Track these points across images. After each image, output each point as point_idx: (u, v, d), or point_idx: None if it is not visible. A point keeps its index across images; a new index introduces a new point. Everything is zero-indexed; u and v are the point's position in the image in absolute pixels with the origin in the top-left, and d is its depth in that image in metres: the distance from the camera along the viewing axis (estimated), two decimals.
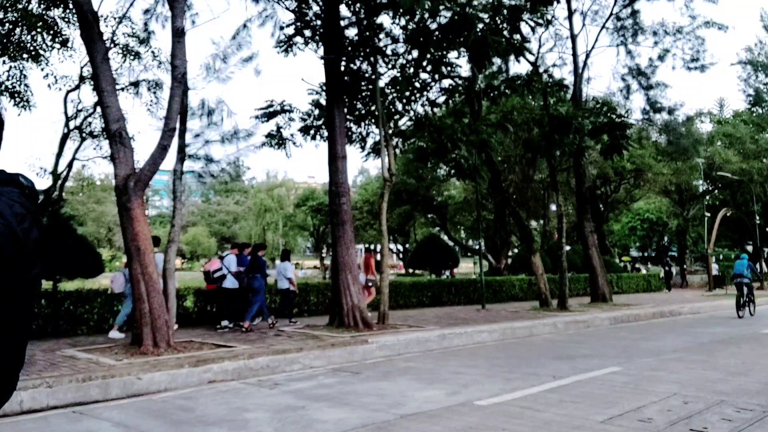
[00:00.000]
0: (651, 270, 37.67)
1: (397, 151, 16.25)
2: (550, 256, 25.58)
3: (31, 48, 15.01)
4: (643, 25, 22.13)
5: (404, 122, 14.99)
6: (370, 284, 14.73)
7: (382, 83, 13.31)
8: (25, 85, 15.62)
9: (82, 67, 16.33)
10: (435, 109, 15.84)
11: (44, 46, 15.17)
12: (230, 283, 12.07)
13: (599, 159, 25.62)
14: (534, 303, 18.42)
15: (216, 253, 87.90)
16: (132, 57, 15.83)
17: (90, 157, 18.72)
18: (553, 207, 25.24)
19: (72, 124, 16.95)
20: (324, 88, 13.33)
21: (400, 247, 54.24)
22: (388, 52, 13.64)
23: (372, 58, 12.94)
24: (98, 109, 14.10)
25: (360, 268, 13.78)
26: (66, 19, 14.92)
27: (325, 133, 13.54)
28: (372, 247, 21.22)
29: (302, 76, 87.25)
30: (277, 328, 12.02)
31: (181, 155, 10.15)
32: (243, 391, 7.00)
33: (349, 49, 12.99)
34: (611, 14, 21.30)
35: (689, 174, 35.80)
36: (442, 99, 15.36)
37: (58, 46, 15.30)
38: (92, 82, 14.07)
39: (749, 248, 45.91)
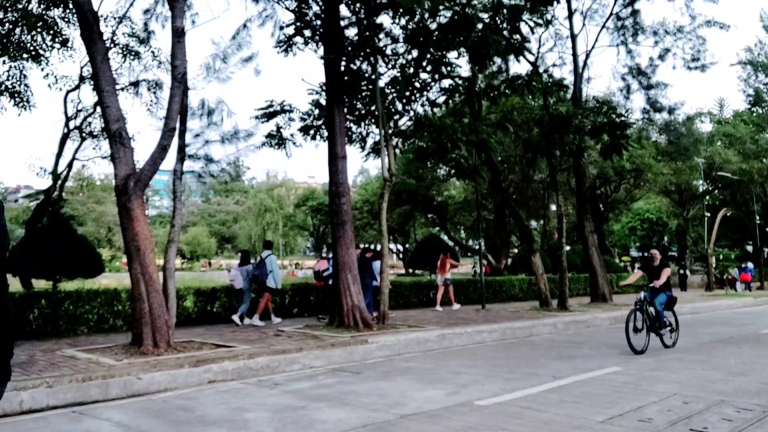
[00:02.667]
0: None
1: (397, 151, 16.26)
2: (550, 256, 25.57)
3: (31, 48, 15.01)
4: (644, 25, 22.11)
5: (404, 122, 15.00)
6: (448, 283, 17.11)
7: (382, 83, 13.31)
8: (25, 85, 15.62)
9: (82, 67, 16.34)
10: (435, 109, 15.84)
11: (44, 46, 15.17)
12: None
13: (599, 159, 25.59)
14: (534, 303, 18.41)
15: (216, 253, 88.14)
16: (132, 57, 15.82)
17: (90, 157, 18.76)
18: (553, 207, 25.27)
19: (72, 124, 16.94)
20: (324, 88, 13.33)
21: (400, 247, 54.25)
22: (388, 52, 13.63)
23: (372, 58, 12.93)
24: (98, 109, 14.10)
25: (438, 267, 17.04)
26: (66, 19, 14.92)
27: (325, 133, 13.53)
28: (372, 246, 21.32)
29: (302, 76, 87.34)
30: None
31: (181, 155, 10.13)
32: (243, 391, 7.00)
33: (349, 49, 12.98)
34: (611, 14, 21.29)
35: (689, 174, 35.80)
36: (442, 99, 15.35)
37: (58, 46, 15.30)
38: (92, 82, 14.06)
39: (749, 248, 45.91)
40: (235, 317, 12.82)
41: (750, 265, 34.33)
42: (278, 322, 13.01)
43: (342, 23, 12.80)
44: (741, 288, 31.04)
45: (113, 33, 15.15)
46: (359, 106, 14.40)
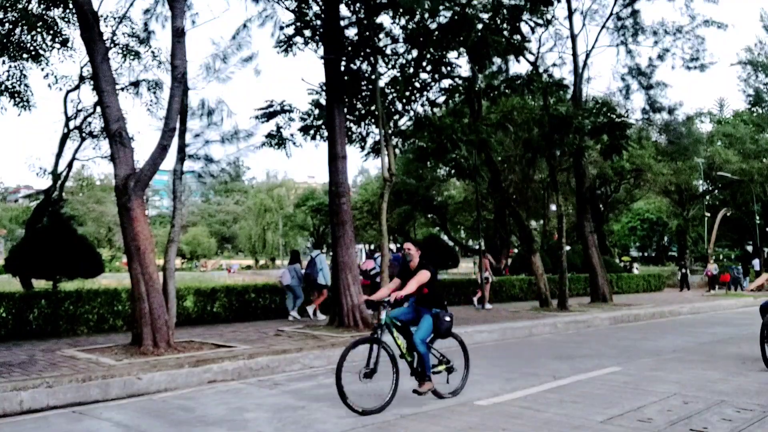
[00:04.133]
0: (643, 270, 37.59)
1: (397, 151, 16.27)
2: (550, 256, 25.57)
3: (31, 48, 14.98)
4: (644, 25, 22.09)
5: (404, 122, 14.99)
6: (487, 281, 17.87)
7: (382, 83, 13.30)
8: (25, 85, 15.58)
9: (82, 67, 16.29)
10: (435, 109, 15.83)
11: (44, 46, 15.13)
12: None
13: (599, 159, 25.61)
14: (534, 303, 18.41)
15: (216, 253, 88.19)
16: (132, 57, 15.79)
17: (90, 157, 18.65)
18: (553, 207, 25.27)
19: (72, 124, 16.89)
20: (324, 88, 13.32)
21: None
22: (388, 52, 13.62)
23: (372, 58, 12.92)
24: (98, 109, 14.08)
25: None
26: (66, 19, 14.89)
27: (325, 133, 13.53)
28: (373, 247, 21.46)
29: (302, 76, 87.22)
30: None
31: (181, 155, 10.13)
32: (243, 391, 7.01)
33: (349, 49, 12.98)
34: (611, 14, 21.28)
35: (689, 174, 35.80)
36: (442, 99, 15.34)
37: (58, 46, 15.26)
38: (92, 82, 14.05)
39: (749, 248, 45.91)
40: (309, 309, 13.95)
41: (753, 262, 34.01)
42: (322, 319, 13.59)
43: (342, 23, 12.79)
44: (747, 285, 30.66)
45: (113, 33, 15.12)
46: (359, 106, 14.38)
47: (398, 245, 16.86)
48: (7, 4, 13.74)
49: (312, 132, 14.64)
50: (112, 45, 14.99)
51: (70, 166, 17.61)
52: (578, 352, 9.88)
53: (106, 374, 6.83)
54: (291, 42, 13.32)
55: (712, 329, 13.63)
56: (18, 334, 10.59)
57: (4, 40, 14.35)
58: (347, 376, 5.68)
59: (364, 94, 13.84)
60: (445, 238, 37.51)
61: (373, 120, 14.45)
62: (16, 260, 13.95)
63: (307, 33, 13.30)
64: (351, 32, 13.19)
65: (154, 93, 16.23)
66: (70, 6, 13.76)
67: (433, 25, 12.41)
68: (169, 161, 9.75)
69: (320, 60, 12.63)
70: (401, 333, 6.27)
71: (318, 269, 13.85)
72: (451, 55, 13.63)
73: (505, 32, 13.06)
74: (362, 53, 13.07)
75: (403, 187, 30.49)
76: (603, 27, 21.30)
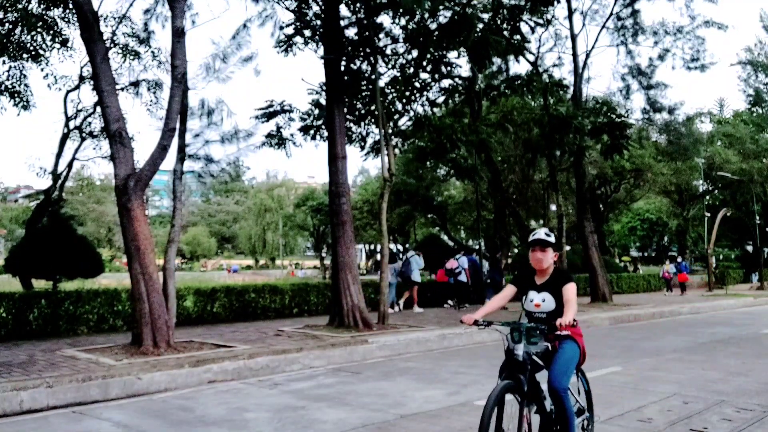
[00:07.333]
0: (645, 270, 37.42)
1: (397, 151, 16.29)
2: None
3: (31, 48, 14.97)
4: (644, 25, 22.06)
5: (404, 122, 15.00)
6: None
7: (382, 83, 13.30)
8: (25, 85, 15.56)
9: (82, 67, 16.27)
10: (435, 109, 15.83)
11: (44, 46, 15.12)
12: (464, 277, 17.18)
13: (599, 159, 25.60)
14: None
15: (216, 253, 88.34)
16: (132, 57, 15.78)
17: (90, 157, 18.66)
18: (553, 207, 25.27)
19: (72, 124, 16.87)
20: (324, 88, 13.33)
21: (400, 247, 54.20)
22: (388, 52, 13.63)
23: (372, 58, 12.92)
24: (98, 109, 14.07)
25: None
26: (66, 19, 14.88)
27: (325, 133, 13.53)
28: (373, 247, 21.68)
29: (302, 76, 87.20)
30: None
31: (181, 155, 10.13)
32: (243, 391, 7.01)
33: (349, 49, 12.98)
34: (611, 14, 21.26)
35: (689, 174, 35.76)
36: (442, 99, 15.36)
37: (58, 46, 15.25)
38: (92, 82, 14.04)
39: (749, 248, 45.87)
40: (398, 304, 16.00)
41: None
42: (420, 311, 15.54)
43: (342, 23, 12.80)
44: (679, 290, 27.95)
45: (113, 33, 15.11)
46: (359, 106, 14.39)
47: (478, 250, 18.70)
48: (7, 4, 13.73)
49: (312, 132, 14.65)
50: (112, 45, 14.97)
51: (70, 166, 17.59)
52: None
53: (106, 374, 6.83)
54: (291, 42, 13.33)
55: (712, 329, 13.62)
56: (18, 334, 10.59)
57: (4, 40, 14.33)
58: None
59: (364, 94, 13.84)
60: (445, 238, 37.50)
61: (373, 120, 14.45)
62: (16, 260, 13.96)
63: (307, 33, 13.31)
64: (351, 32, 13.21)
65: (154, 93, 16.22)
66: (70, 6, 13.75)
67: (433, 25, 12.42)
68: (169, 161, 9.77)
69: (320, 60, 12.64)
70: None
71: (411, 269, 15.82)
72: (451, 55, 13.67)
73: (505, 32, 13.06)
74: (362, 53, 13.07)
75: (403, 187, 30.46)
76: (603, 27, 21.29)
